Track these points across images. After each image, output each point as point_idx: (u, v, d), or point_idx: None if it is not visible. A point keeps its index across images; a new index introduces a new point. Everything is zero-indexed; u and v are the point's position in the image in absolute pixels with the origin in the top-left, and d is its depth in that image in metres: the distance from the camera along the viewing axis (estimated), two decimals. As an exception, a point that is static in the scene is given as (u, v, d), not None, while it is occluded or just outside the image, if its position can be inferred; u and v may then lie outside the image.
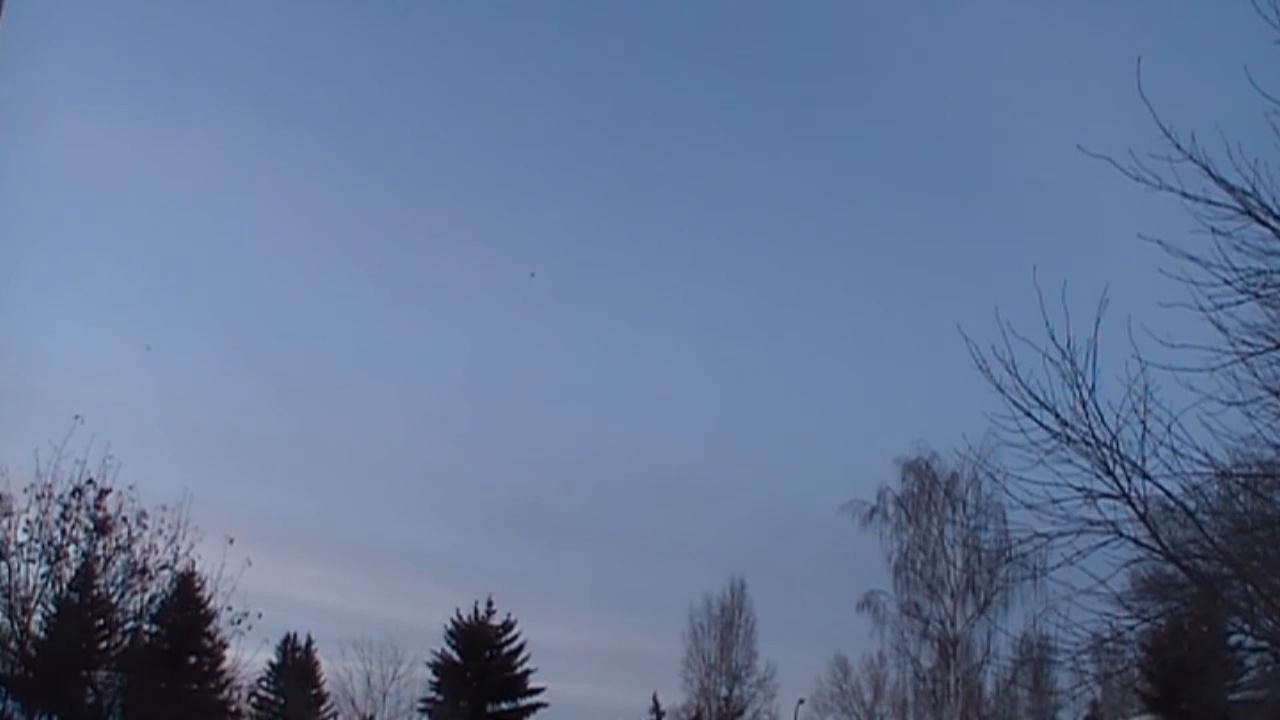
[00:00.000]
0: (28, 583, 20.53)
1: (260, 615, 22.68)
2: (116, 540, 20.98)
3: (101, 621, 21.67)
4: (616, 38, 59.37)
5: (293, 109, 61.76)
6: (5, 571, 20.33)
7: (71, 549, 20.88)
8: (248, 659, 25.83)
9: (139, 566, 21.09)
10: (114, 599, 21.36)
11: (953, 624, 37.81)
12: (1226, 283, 8.49)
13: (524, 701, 42.78)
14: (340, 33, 58.09)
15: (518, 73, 59.89)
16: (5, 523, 20.46)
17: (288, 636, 42.82)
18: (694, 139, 60.20)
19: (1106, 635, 10.09)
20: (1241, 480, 9.55)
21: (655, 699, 48.50)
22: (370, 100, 59.71)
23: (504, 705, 42.66)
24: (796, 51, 57.37)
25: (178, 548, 21.26)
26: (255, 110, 58.91)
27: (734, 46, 59.92)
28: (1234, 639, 19.36)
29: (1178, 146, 8.33)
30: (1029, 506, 9.19)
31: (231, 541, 21.49)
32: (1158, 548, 9.26)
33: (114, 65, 46.73)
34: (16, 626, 20.37)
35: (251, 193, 59.19)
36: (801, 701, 45.21)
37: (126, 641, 22.11)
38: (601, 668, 57.73)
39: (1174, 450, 8.76)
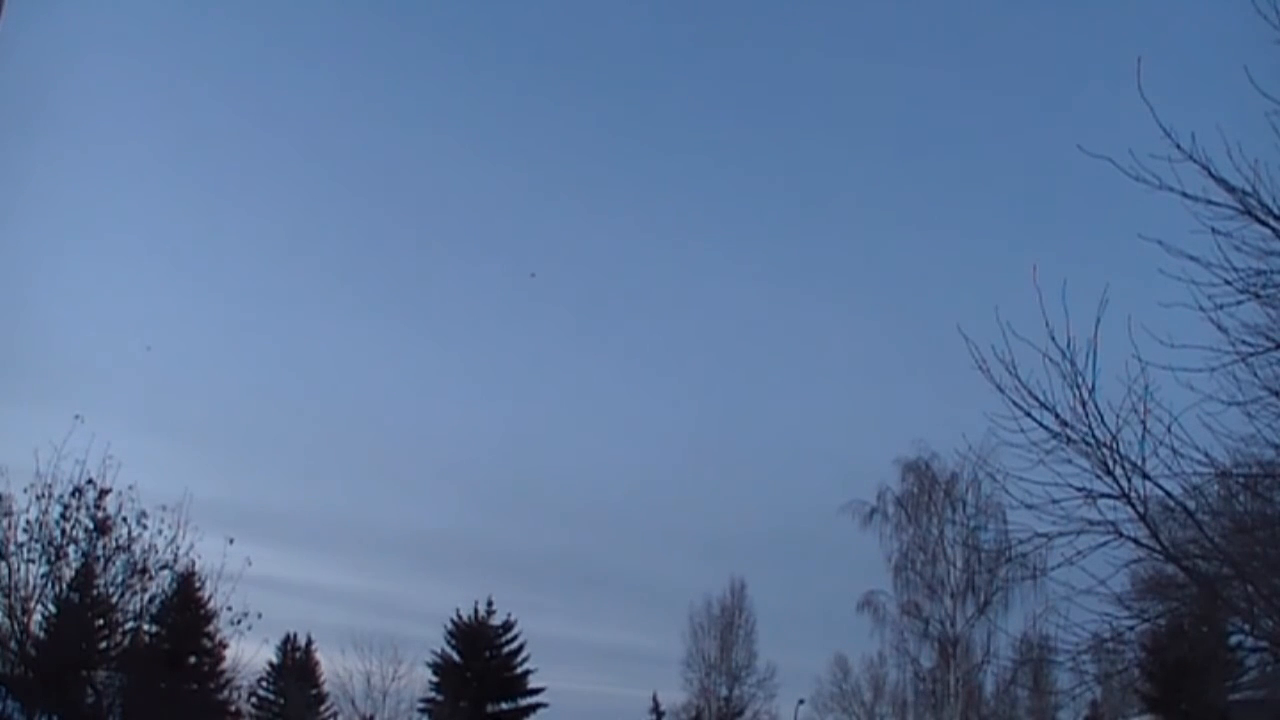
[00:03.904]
0: (28, 583, 20.50)
1: (260, 615, 22.72)
2: (116, 540, 20.96)
3: (101, 621, 21.64)
4: (610, 42, 59.50)
5: (291, 112, 61.82)
6: (5, 571, 20.31)
7: (71, 549, 20.86)
8: (248, 659, 25.90)
9: (139, 566, 21.07)
10: (114, 599, 21.33)
11: (953, 624, 37.81)
12: (1226, 283, 8.49)
13: (524, 701, 42.84)
14: (333, 42, 58.34)
15: (513, 76, 60.04)
16: (5, 523, 20.44)
17: (288, 636, 42.97)
18: (691, 137, 60.38)
19: (1106, 635, 10.09)
20: (1241, 480, 9.55)
21: (655, 699, 48.62)
22: (367, 105, 59.78)
23: (504, 705, 42.70)
24: (794, 49, 57.46)
25: (178, 548, 21.25)
26: (253, 113, 58.95)
27: (730, 46, 59.90)
28: (1234, 639, 19.36)
29: (1178, 146, 8.33)
30: (1029, 506, 9.19)
31: (231, 541, 21.52)
32: (1158, 548, 9.25)
33: (114, 66, 46.67)
34: (16, 626, 20.34)
35: (251, 194, 59.33)
36: (801, 701, 45.31)
37: (126, 641, 22.09)
38: (601, 668, 57.88)
39: (1174, 450, 8.76)
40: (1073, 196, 39.90)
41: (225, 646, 25.89)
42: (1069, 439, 8.95)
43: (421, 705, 43.17)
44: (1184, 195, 8.42)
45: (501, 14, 59.08)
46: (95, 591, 21.30)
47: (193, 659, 29.30)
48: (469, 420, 60.21)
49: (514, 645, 43.04)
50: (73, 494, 20.73)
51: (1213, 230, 8.43)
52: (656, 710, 48.46)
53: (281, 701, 40.85)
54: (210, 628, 25.78)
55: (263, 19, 55.03)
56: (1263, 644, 12.27)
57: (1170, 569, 9.96)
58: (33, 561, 20.53)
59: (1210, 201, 8.39)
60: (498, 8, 58.96)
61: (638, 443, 58.50)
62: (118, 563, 21.08)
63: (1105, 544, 9.11)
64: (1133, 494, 8.88)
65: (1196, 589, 10.05)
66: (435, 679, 42.85)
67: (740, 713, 45.89)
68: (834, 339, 58.85)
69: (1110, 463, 8.87)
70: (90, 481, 20.80)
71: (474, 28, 60.63)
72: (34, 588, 20.55)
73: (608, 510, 54.85)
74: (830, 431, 53.93)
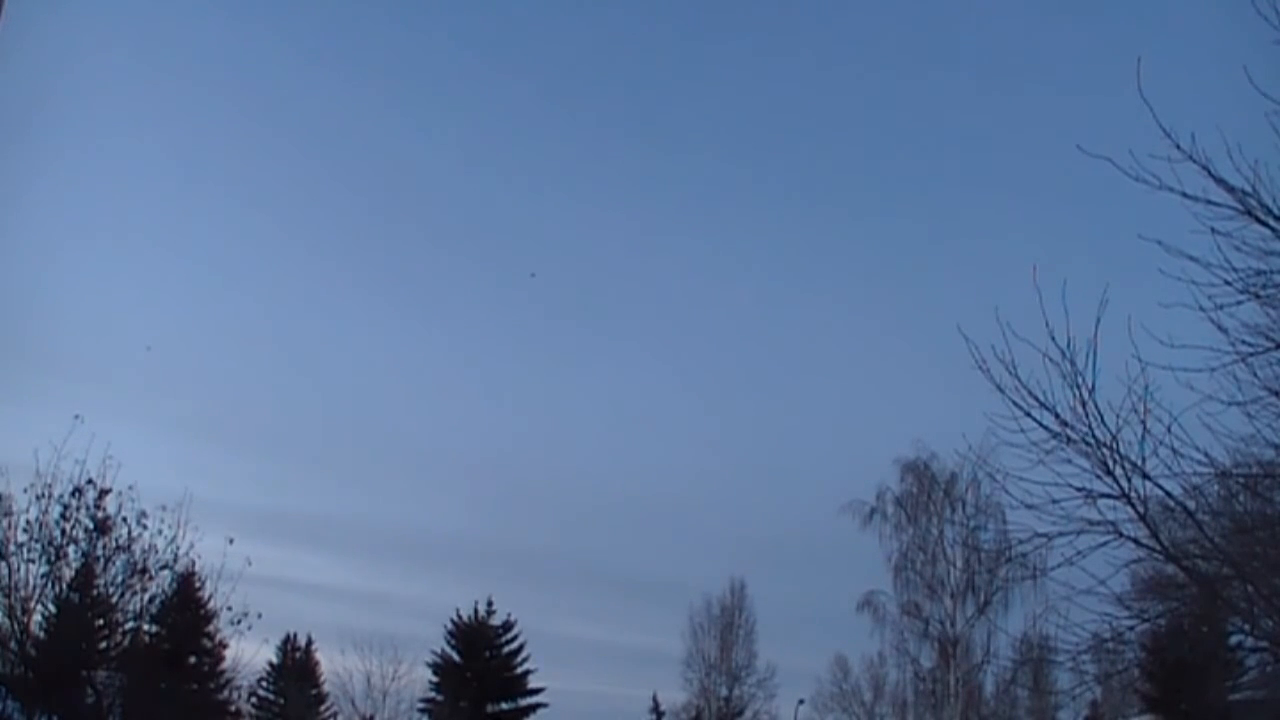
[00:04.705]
0: (28, 583, 20.49)
1: (260, 615, 22.72)
2: (116, 540, 20.95)
3: (101, 621, 21.64)
4: (612, 42, 59.52)
5: (293, 112, 61.85)
6: (5, 571, 20.30)
7: (71, 549, 20.85)
8: (248, 659, 25.89)
9: (139, 566, 21.05)
10: (114, 599, 21.32)
11: (953, 624, 37.82)
12: (1226, 283, 8.49)
13: (524, 701, 42.86)
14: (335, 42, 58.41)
15: (515, 76, 60.10)
16: (5, 523, 20.43)
17: (288, 636, 42.99)
18: (692, 137, 60.40)
19: (1106, 635, 10.10)
20: (1241, 480, 9.55)
21: (655, 699, 48.60)
22: (366, 106, 59.82)
23: (504, 705, 42.71)
24: (792, 49, 57.48)
25: (177, 548, 21.25)
26: (256, 113, 58.97)
27: (731, 46, 59.91)
28: (1234, 639, 19.35)
29: (1178, 146, 8.33)
30: (1029, 506, 9.20)
31: (231, 541, 21.52)
32: (1158, 548, 9.26)
33: (116, 65, 46.70)
34: (16, 626, 20.33)
35: (254, 194, 59.37)
36: (801, 701, 45.27)
37: (126, 641, 22.09)
38: (601, 668, 57.91)
39: (1174, 450, 8.77)
40: (1073, 196, 39.87)
41: (225, 646, 25.90)
42: (1069, 439, 8.96)
43: (421, 705, 43.20)
44: (1184, 195, 8.43)
45: (503, 16, 59.15)
46: (95, 591, 21.29)
47: (193, 659, 29.30)
48: (470, 419, 60.42)
49: (514, 645, 43.06)
50: (73, 494, 20.74)
51: (1213, 230, 8.44)
52: (656, 710, 48.46)
53: (281, 701, 40.85)
54: (210, 628, 25.76)
55: (266, 18, 55.12)
56: (1263, 644, 12.26)
57: (1170, 569, 9.97)
58: (33, 561, 20.55)
59: (1210, 201, 8.40)
60: (499, 10, 59.03)
61: (638, 443, 58.59)
62: (118, 563, 21.10)
63: (1105, 544, 9.13)
64: (1133, 494, 8.89)
65: (1196, 589, 10.06)
66: (435, 679, 42.87)
67: (740, 713, 45.87)
68: (834, 339, 58.92)
69: (1110, 463, 8.88)
70: (90, 481, 20.81)
71: (475, 29, 60.66)
72: (34, 588, 20.56)
73: (608, 510, 54.87)
74: (830, 431, 54.01)
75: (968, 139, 55.74)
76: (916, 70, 55.97)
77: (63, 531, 20.70)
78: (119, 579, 21.15)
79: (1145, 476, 8.86)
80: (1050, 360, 8.87)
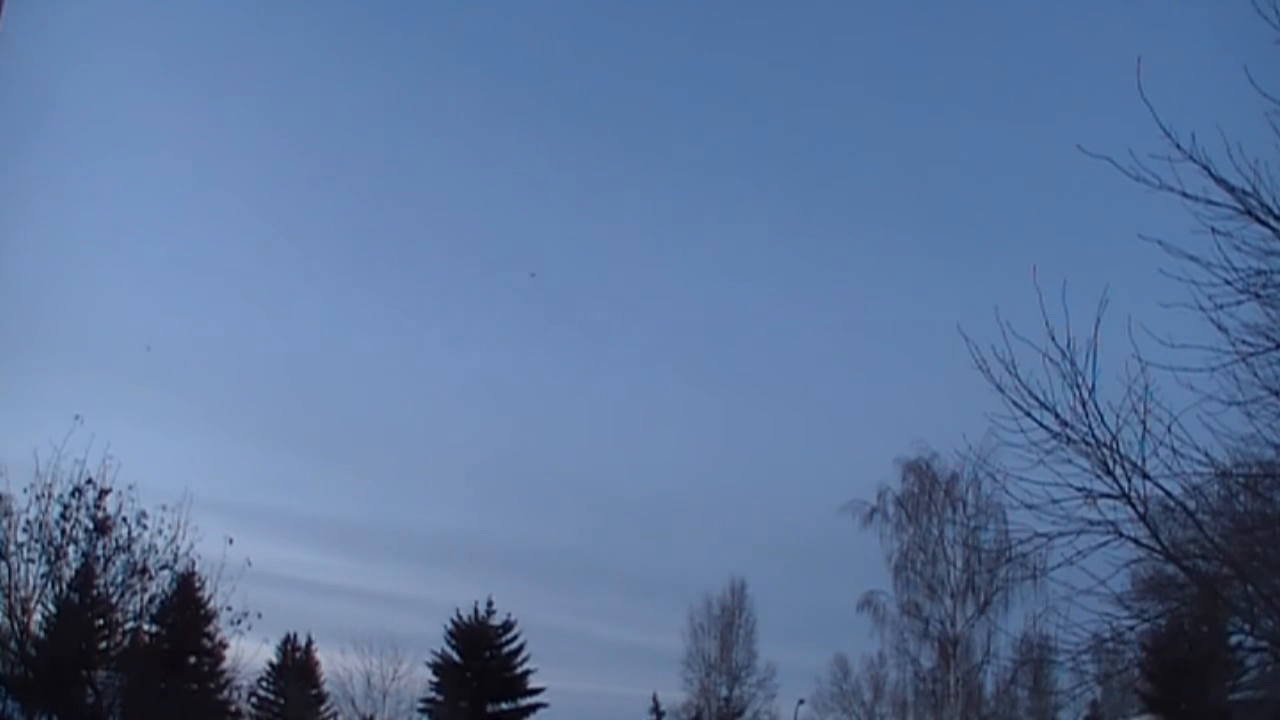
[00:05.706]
0: (28, 583, 20.47)
1: (260, 615, 22.70)
2: (116, 540, 20.93)
3: (101, 621, 21.64)
4: (615, 49, 59.53)
5: (290, 115, 61.86)
6: (5, 571, 20.28)
7: (71, 549, 20.84)
8: (248, 659, 25.90)
9: (139, 566, 21.04)
10: (114, 599, 21.31)
11: (953, 624, 37.82)
12: (1226, 283, 8.50)
13: (524, 701, 42.87)
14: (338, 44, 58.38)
15: (516, 80, 60.14)
16: (5, 523, 20.42)
17: (288, 636, 43.00)
18: (693, 144, 60.41)
19: (1106, 635, 10.10)
20: (1241, 480, 9.56)
21: (655, 699, 48.59)
22: (366, 108, 59.80)
23: (504, 705, 42.72)
24: (790, 55, 57.51)
25: (177, 548, 21.24)
26: (253, 116, 58.96)
27: (730, 56, 59.88)
28: (1234, 639, 19.34)
29: (1178, 146, 8.34)
30: (1029, 506, 9.22)
31: (231, 541, 21.52)
32: (1158, 548, 9.27)
33: (118, 68, 46.67)
34: (16, 626, 20.33)
35: (257, 195, 59.40)
36: (801, 701, 45.24)
37: (126, 641, 22.08)
38: (601, 668, 57.87)
39: (1174, 450, 8.78)
40: (1073, 196, 39.92)
41: (225, 646, 25.92)
42: (1069, 439, 8.97)
43: (421, 705, 43.20)
44: (1184, 195, 8.44)
45: (505, 21, 59.12)
46: (95, 591, 21.27)
47: (193, 659, 29.31)
48: (470, 419, 60.37)
49: (514, 645, 43.07)
50: (73, 494, 20.71)
51: (1213, 230, 8.45)
52: (656, 710, 48.42)
53: (281, 701, 40.85)
54: (210, 628, 25.78)
55: (267, 19, 55.06)
56: (1263, 644, 12.26)
57: (1170, 569, 9.97)
58: (33, 561, 20.53)
59: (1210, 201, 8.40)
60: (501, 16, 59.01)
61: (638, 442, 58.56)
62: (118, 563, 21.07)
63: (1105, 544, 9.14)
64: (1133, 494, 8.90)
65: (1196, 589, 10.07)
66: (435, 679, 42.88)
67: (740, 713, 45.86)
68: (834, 338, 58.89)
69: (1110, 463, 8.88)
70: (90, 481, 20.78)
71: (476, 32, 60.67)
72: (34, 588, 20.54)
73: (608, 509, 54.86)
74: (830, 431, 54.00)
75: (967, 139, 55.80)
76: (914, 72, 56.06)
77: (63, 531, 20.70)
78: (119, 579, 21.15)
79: (1145, 476, 8.87)
80: (1050, 360, 8.90)
